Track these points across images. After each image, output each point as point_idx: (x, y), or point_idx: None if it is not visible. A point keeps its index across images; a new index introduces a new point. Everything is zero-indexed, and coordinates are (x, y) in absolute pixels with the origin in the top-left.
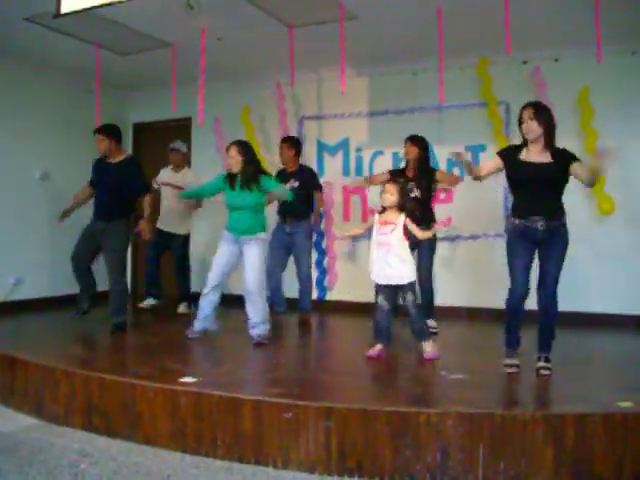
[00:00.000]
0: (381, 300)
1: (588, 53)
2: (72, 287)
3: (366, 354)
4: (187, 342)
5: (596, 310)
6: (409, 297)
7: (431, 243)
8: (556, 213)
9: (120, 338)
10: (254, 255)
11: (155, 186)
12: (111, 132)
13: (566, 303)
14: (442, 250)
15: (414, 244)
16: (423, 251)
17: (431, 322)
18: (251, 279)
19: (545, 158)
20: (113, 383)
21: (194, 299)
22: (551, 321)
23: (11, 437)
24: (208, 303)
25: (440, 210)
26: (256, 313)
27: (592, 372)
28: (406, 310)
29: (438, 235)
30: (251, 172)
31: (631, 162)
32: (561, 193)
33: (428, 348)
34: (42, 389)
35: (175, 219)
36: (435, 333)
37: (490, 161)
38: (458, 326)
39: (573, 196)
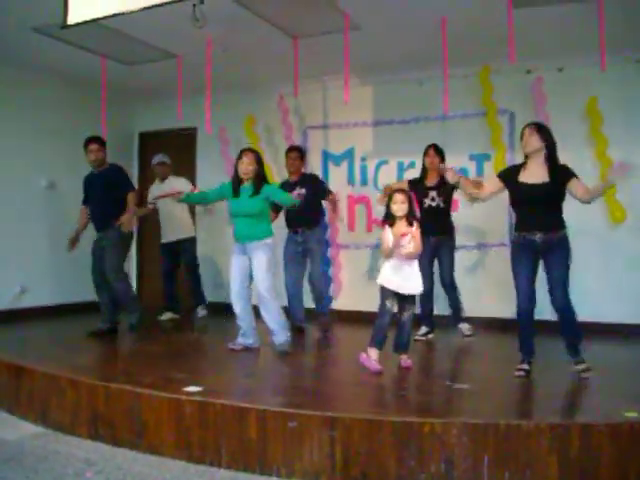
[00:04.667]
0: (390, 304)
1: (592, 62)
2: (77, 295)
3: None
4: (192, 351)
5: (607, 319)
6: (409, 311)
7: (452, 248)
8: (554, 227)
9: (125, 347)
10: (263, 260)
11: (150, 206)
12: (104, 143)
13: (577, 312)
14: None
15: (434, 250)
16: (445, 257)
17: (463, 325)
18: (262, 285)
19: (543, 177)
20: (118, 392)
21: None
22: (572, 324)
23: (17, 445)
24: (241, 318)
25: None
26: (272, 319)
27: (598, 382)
28: (400, 319)
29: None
30: (261, 180)
31: None
32: (558, 208)
33: (406, 358)
34: (48, 397)
35: (176, 226)
36: (471, 335)
37: (491, 182)
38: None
39: (585, 205)
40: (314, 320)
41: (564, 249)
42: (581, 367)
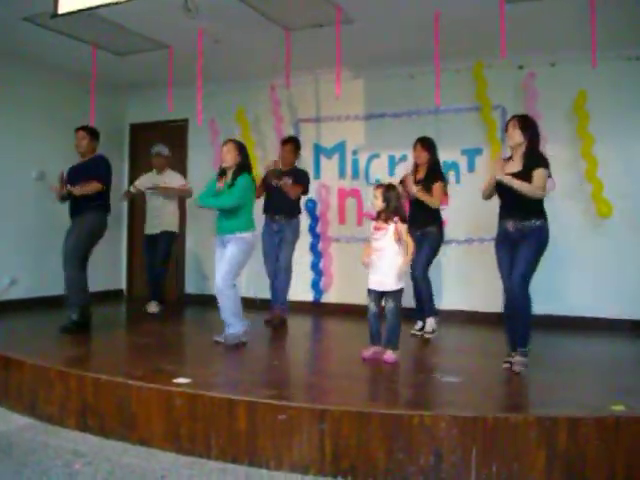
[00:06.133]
0: (369, 303)
1: (584, 58)
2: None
3: (361, 355)
4: (181, 342)
5: (592, 314)
6: (390, 304)
7: (433, 242)
8: (526, 216)
9: (114, 338)
10: (229, 252)
11: (133, 190)
12: (93, 132)
13: (561, 307)
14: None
15: (420, 243)
16: (422, 248)
17: (430, 321)
18: (218, 273)
19: (517, 167)
20: (107, 383)
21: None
22: (519, 316)
23: (5, 437)
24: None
25: None
26: (223, 311)
27: (585, 376)
28: (385, 315)
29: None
30: (239, 170)
31: (628, 166)
32: (531, 197)
33: (390, 354)
34: (36, 389)
35: (161, 219)
36: (434, 333)
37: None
38: (452, 329)
39: (572, 200)
40: (269, 310)
41: (535, 241)
42: (517, 359)
